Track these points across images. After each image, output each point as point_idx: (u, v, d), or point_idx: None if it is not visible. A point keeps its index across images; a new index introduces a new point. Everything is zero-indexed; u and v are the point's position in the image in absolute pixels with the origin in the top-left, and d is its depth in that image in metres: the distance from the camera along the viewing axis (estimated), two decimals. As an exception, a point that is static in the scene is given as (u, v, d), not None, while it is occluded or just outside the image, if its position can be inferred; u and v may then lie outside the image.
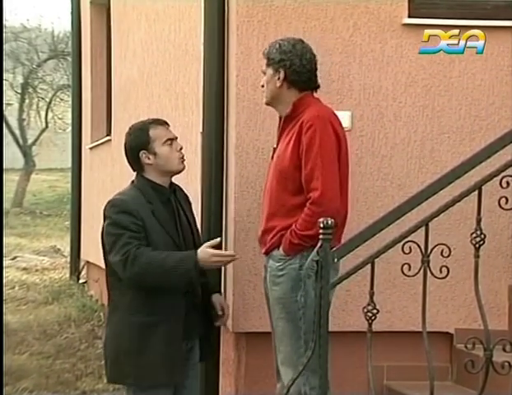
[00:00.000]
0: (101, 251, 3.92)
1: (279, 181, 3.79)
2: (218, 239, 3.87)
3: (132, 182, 3.93)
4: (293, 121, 3.80)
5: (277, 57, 3.83)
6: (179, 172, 3.94)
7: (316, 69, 3.89)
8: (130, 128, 3.97)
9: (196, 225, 4.04)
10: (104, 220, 3.85)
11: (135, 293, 3.77)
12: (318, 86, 3.91)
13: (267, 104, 3.96)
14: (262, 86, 3.93)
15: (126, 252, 3.68)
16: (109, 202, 3.85)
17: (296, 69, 3.81)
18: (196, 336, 3.95)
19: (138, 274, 3.69)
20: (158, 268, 3.68)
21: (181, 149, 3.92)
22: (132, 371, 3.79)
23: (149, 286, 3.73)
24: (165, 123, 3.95)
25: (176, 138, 3.94)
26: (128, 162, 3.96)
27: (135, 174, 3.95)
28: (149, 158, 3.86)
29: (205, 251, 3.74)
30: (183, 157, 3.91)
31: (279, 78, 3.83)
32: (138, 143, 3.87)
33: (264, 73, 3.91)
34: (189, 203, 4.05)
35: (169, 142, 3.89)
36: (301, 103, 3.82)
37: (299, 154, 3.71)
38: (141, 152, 3.86)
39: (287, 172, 3.75)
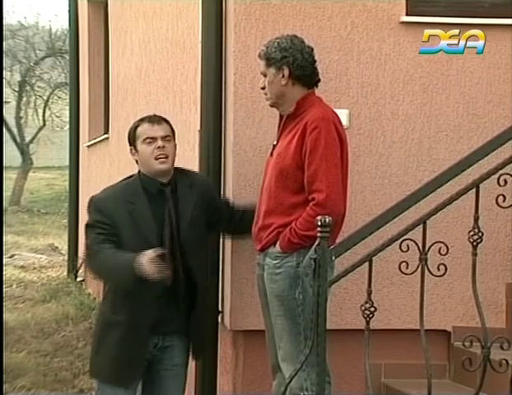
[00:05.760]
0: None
1: (278, 179, 3.78)
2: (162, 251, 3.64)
3: (132, 175, 3.97)
4: (295, 119, 3.79)
5: (279, 55, 3.80)
6: (159, 172, 3.81)
7: (315, 61, 3.88)
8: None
9: (198, 217, 3.86)
10: None
11: (110, 289, 3.90)
12: (319, 80, 3.90)
13: (272, 105, 3.92)
14: (263, 88, 3.89)
15: (89, 248, 3.81)
16: (90, 197, 3.93)
17: (300, 63, 3.79)
18: (175, 335, 3.89)
19: (95, 272, 3.86)
20: (105, 269, 3.76)
21: (160, 148, 3.78)
22: (92, 364, 3.97)
23: (109, 283, 3.90)
24: (155, 121, 3.86)
25: (166, 137, 3.82)
26: None
27: None
28: (134, 154, 3.91)
29: (145, 253, 3.55)
30: (162, 157, 3.78)
31: (283, 76, 3.80)
32: (128, 139, 3.94)
33: (264, 75, 3.87)
34: (205, 191, 3.98)
35: (148, 141, 3.81)
36: (305, 102, 3.80)
37: (301, 154, 3.70)
38: (131, 147, 3.93)
39: (288, 171, 3.74)
